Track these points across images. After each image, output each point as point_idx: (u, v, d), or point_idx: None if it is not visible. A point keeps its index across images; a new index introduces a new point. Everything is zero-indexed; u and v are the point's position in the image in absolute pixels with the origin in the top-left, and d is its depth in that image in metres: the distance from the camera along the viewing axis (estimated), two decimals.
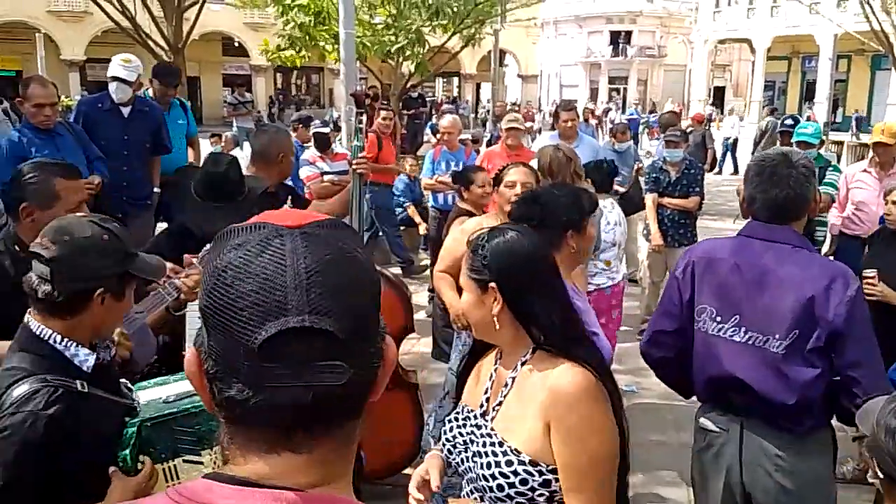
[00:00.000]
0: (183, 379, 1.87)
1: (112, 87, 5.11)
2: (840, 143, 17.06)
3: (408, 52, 14.39)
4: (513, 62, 39.33)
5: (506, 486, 1.64)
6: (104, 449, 1.67)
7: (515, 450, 1.65)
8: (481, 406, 1.80)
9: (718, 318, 2.34)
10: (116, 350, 1.90)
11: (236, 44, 32.81)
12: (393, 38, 13.89)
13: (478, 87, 39.71)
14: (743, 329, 2.28)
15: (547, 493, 1.64)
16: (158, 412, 1.73)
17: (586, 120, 13.03)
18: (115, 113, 5.09)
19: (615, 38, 45.74)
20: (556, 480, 1.63)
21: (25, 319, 1.73)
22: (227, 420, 0.75)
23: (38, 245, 1.69)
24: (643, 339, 2.67)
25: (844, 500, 2.80)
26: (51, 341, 1.70)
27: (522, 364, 1.73)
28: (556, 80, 46.54)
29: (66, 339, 1.70)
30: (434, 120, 18.75)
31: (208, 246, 2.31)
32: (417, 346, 5.39)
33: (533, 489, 1.63)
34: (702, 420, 2.48)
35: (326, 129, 7.44)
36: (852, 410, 2.19)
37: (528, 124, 17.11)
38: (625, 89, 44.61)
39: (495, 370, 1.82)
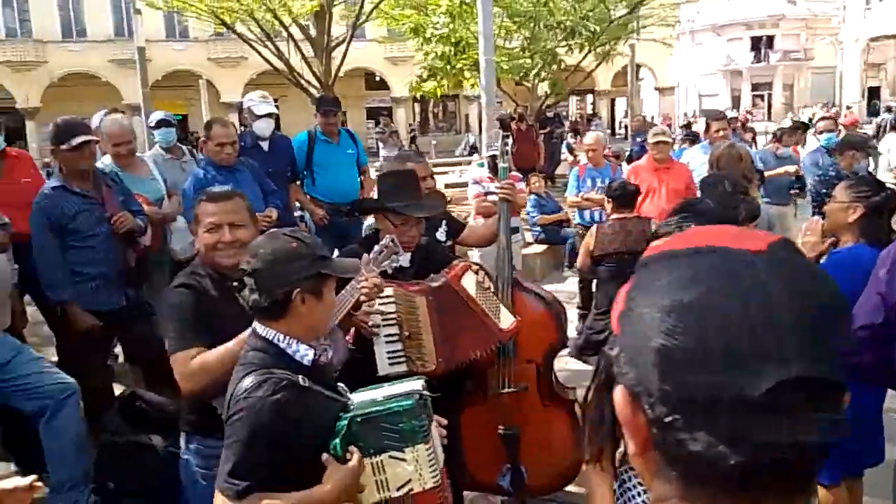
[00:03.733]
0: (393, 384, 2.06)
1: (263, 124, 5.41)
2: None
3: (543, 74, 14.55)
4: (648, 75, 38.43)
5: None
6: (322, 440, 1.85)
7: None
8: None
9: None
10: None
11: (378, 78, 34.34)
12: (528, 60, 14.09)
13: (612, 102, 39.13)
14: None
15: None
16: (367, 409, 1.91)
17: (735, 130, 12.58)
18: (257, 149, 5.43)
19: (756, 43, 43.78)
20: None
21: (253, 324, 1.97)
22: (678, 475, 0.65)
23: (244, 262, 1.94)
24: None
25: None
26: (275, 340, 1.92)
27: None
28: (695, 90, 45.11)
29: (287, 337, 1.92)
30: (569, 139, 18.75)
31: (377, 248, 2.53)
32: (570, 362, 5.43)
33: None
34: None
35: (496, 152, 7.61)
36: None
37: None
38: (769, 95, 42.53)
39: None
